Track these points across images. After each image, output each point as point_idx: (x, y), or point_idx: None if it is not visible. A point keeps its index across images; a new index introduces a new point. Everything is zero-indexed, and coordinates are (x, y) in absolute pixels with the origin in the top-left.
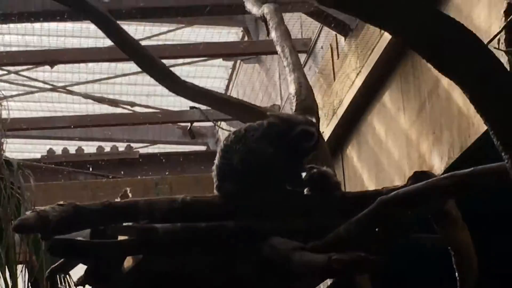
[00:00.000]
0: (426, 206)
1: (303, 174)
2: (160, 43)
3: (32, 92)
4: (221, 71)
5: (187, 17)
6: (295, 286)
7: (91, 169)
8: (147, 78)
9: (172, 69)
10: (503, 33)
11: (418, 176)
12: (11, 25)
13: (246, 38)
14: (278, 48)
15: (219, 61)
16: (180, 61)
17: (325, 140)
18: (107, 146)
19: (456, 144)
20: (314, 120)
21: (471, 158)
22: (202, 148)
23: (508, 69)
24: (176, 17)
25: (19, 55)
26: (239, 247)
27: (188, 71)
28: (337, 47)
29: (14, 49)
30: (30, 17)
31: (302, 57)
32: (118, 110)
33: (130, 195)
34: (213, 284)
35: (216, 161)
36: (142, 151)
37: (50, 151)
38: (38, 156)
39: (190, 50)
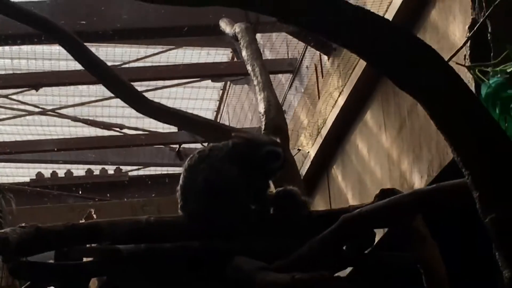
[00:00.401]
0: (391, 223)
1: (269, 194)
2: (149, 65)
3: (21, 116)
4: (211, 93)
5: (166, 38)
6: None
7: (80, 192)
8: None
9: (161, 91)
10: (469, 48)
11: (385, 193)
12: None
13: (235, 59)
14: (249, 67)
15: (209, 82)
16: (169, 83)
17: (310, 159)
18: (97, 169)
19: (435, 161)
20: (280, 140)
21: (449, 175)
22: None
23: (473, 85)
24: (154, 38)
25: (5, 78)
26: (204, 267)
27: (178, 92)
28: (321, 67)
29: (1, 72)
30: (7, 40)
31: (289, 77)
32: (108, 133)
33: (94, 216)
34: None
35: (180, 181)
36: (134, 173)
37: (39, 174)
38: (28, 180)
39: (175, 71)
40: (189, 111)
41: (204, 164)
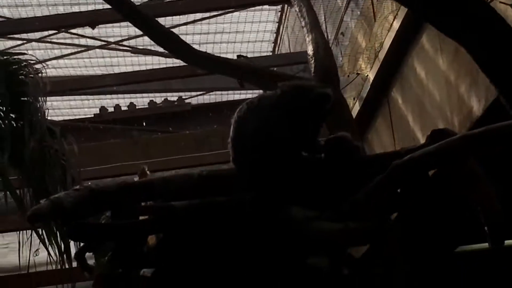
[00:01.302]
0: (442, 166)
1: (320, 141)
2: None
3: (82, 51)
4: (269, 15)
5: None
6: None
7: (144, 124)
8: (198, 27)
9: (218, 17)
10: None
11: (436, 134)
12: None
13: None
14: (296, 8)
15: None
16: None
17: (370, 83)
18: (160, 98)
19: (492, 86)
20: (330, 81)
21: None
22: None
23: None
24: None
25: (64, 19)
26: (258, 219)
27: (238, 16)
28: None
29: (60, 8)
30: None
31: (344, 0)
32: (170, 61)
33: (148, 173)
34: (233, 257)
35: (230, 133)
36: (197, 102)
37: (103, 109)
38: (92, 114)
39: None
40: (248, 34)
41: (253, 116)
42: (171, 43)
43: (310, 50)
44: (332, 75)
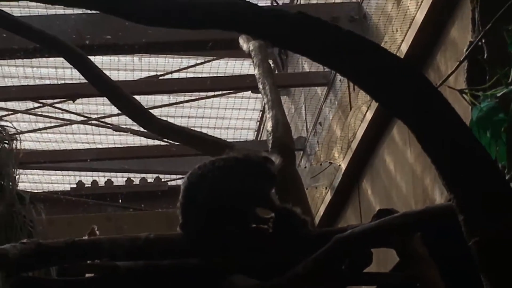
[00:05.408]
0: (384, 244)
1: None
2: (190, 75)
3: (64, 125)
4: (254, 103)
5: (192, 51)
6: None
7: (120, 201)
8: (180, 110)
9: (203, 101)
10: (466, 71)
11: (382, 213)
12: (45, 59)
13: (276, 71)
14: (260, 85)
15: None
16: (212, 93)
17: (342, 172)
18: (138, 178)
19: None
20: (285, 158)
21: None
22: None
23: (470, 108)
24: (180, 52)
25: (47, 89)
26: (202, 285)
27: (221, 102)
28: None
29: (47, 82)
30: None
31: (324, 90)
32: (150, 142)
33: (97, 232)
34: None
35: (180, 199)
36: (174, 183)
37: (80, 183)
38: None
39: (215, 83)
40: (233, 121)
41: (204, 182)
42: (129, 107)
43: (269, 126)
44: (288, 151)
